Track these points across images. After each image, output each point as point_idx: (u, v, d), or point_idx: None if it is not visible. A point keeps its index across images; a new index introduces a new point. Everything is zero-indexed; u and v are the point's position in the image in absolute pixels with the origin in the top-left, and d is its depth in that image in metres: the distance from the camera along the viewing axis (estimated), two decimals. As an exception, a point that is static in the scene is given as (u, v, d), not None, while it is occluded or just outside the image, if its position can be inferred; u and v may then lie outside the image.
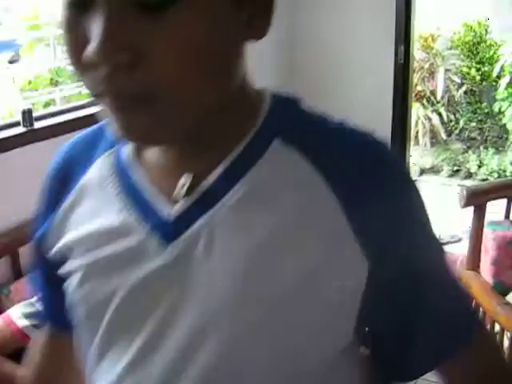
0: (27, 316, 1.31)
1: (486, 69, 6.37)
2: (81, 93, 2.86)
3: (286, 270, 0.64)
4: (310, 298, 0.65)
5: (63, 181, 0.81)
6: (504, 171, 6.06)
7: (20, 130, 2.16)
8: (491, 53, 6.34)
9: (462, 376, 0.76)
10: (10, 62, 3.32)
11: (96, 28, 0.56)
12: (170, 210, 0.69)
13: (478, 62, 6.38)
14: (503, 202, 2.43)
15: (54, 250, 0.78)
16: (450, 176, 6.31)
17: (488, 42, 6.37)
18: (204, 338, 0.65)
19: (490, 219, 2.40)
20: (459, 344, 0.73)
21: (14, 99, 2.57)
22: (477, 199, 2.32)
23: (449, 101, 6.50)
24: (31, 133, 2.17)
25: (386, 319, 0.71)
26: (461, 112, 6.54)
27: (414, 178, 0.78)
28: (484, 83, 6.43)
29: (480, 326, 0.80)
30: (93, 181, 0.76)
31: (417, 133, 6.38)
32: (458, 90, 6.45)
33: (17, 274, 2.05)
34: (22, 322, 1.31)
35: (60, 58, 2.66)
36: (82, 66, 0.59)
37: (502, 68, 6.20)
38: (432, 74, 6.39)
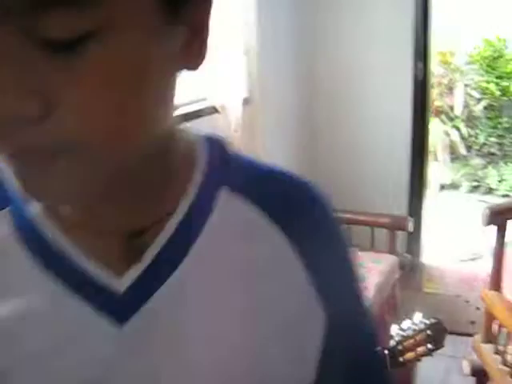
0: None
1: (506, 83, 6.33)
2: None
3: (260, 327, 0.60)
4: (281, 350, 0.61)
5: None
6: (525, 186, 6.02)
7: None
8: (510, 67, 6.31)
9: None
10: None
11: None
12: (115, 281, 0.56)
13: (498, 77, 6.35)
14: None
15: None
16: (470, 192, 6.26)
17: (507, 57, 6.34)
18: None
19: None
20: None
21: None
22: (500, 218, 2.29)
23: (468, 116, 6.47)
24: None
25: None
26: (480, 127, 6.50)
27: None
28: (503, 98, 6.39)
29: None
30: None
31: (436, 148, 6.34)
32: (477, 104, 6.41)
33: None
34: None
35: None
36: None
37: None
38: (451, 89, 6.37)
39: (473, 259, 4.52)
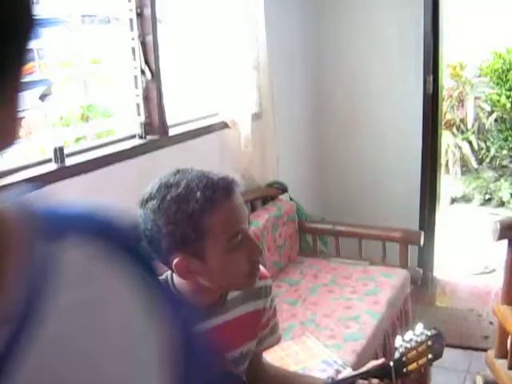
0: None
1: (517, 96, 6.32)
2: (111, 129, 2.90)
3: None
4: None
5: None
6: (537, 199, 5.98)
7: (52, 166, 2.19)
8: (521, 80, 6.30)
9: None
10: (42, 98, 3.39)
11: None
12: None
13: (508, 89, 6.33)
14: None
15: None
16: (482, 205, 6.23)
17: (517, 70, 6.33)
18: None
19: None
20: None
21: (46, 135, 2.61)
22: (511, 232, 2.28)
23: (479, 129, 6.45)
24: (63, 169, 2.19)
25: None
26: (491, 140, 6.48)
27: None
28: (514, 110, 6.37)
29: None
30: None
31: (447, 161, 6.32)
32: (488, 117, 6.39)
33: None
34: None
35: (91, 94, 2.70)
36: None
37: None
38: (461, 102, 6.36)
39: (485, 273, 4.49)
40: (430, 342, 1.53)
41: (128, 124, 2.68)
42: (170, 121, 2.74)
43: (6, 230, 0.56)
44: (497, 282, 2.56)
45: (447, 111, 6.26)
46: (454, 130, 6.37)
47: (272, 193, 3.36)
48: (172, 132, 2.75)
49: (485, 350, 2.54)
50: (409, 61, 3.78)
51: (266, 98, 3.18)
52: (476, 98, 6.34)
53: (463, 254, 4.79)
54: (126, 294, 0.61)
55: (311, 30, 3.88)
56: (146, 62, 2.59)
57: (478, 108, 6.35)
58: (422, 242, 3.22)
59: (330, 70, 3.97)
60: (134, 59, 2.60)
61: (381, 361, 1.61)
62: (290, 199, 3.44)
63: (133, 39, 2.57)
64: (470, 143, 6.38)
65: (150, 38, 2.58)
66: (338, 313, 2.73)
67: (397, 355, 1.53)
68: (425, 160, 3.92)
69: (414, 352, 1.52)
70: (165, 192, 1.28)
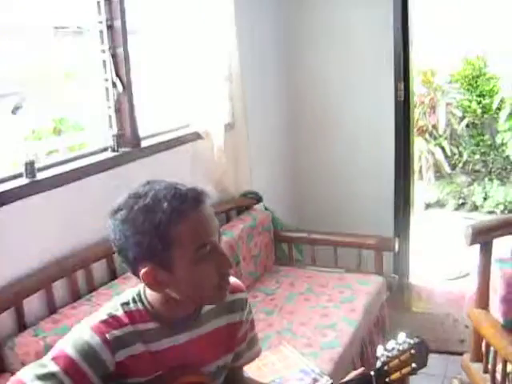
0: (40, 378, 1.26)
1: (487, 101, 6.41)
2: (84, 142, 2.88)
3: None
4: None
5: None
6: (510, 202, 6.05)
7: (23, 181, 2.17)
8: (491, 86, 6.39)
9: None
10: (14, 112, 3.35)
11: None
12: None
13: (479, 95, 6.42)
14: (510, 238, 2.41)
15: None
16: (456, 209, 6.30)
17: (487, 76, 6.42)
18: None
19: (497, 256, 2.38)
20: None
21: (17, 149, 2.58)
22: (483, 237, 2.30)
23: (451, 134, 6.52)
24: (34, 184, 2.17)
25: None
26: (464, 145, 6.56)
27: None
28: (485, 116, 6.46)
29: None
30: None
31: (420, 167, 6.38)
32: (459, 123, 6.47)
33: (21, 326, 2.03)
34: (36, 386, 1.25)
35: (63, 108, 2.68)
36: None
37: (501, 100, 6.24)
38: (433, 108, 6.42)
39: (460, 277, 4.53)
40: (413, 351, 1.49)
41: (100, 137, 2.66)
42: (142, 133, 2.73)
43: None
44: (471, 286, 2.58)
45: (419, 117, 6.32)
46: (427, 136, 6.43)
47: (246, 203, 3.36)
48: (144, 144, 2.74)
49: (461, 354, 2.55)
50: (381, 68, 3.81)
51: (239, 108, 3.18)
52: (447, 104, 6.41)
53: (438, 259, 4.83)
54: None
55: (283, 35, 3.90)
56: (117, 75, 2.58)
57: (449, 114, 6.43)
58: (396, 249, 3.24)
59: (302, 76, 3.98)
60: (105, 72, 2.59)
61: (361, 370, 1.57)
62: (265, 209, 3.44)
63: (103, 51, 2.56)
64: (443, 149, 6.45)
65: (120, 51, 2.57)
66: (315, 321, 2.73)
67: (378, 364, 1.49)
68: (398, 166, 3.94)
69: (397, 361, 1.48)
70: (133, 202, 1.27)
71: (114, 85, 2.59)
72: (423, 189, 6.37)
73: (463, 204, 6.33)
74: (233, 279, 1.51)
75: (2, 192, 2.06)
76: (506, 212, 6.01)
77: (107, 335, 1.29)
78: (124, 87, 2.59)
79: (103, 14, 2.53)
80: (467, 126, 6.52)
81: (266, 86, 3.78)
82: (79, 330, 1.32)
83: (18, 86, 2.69)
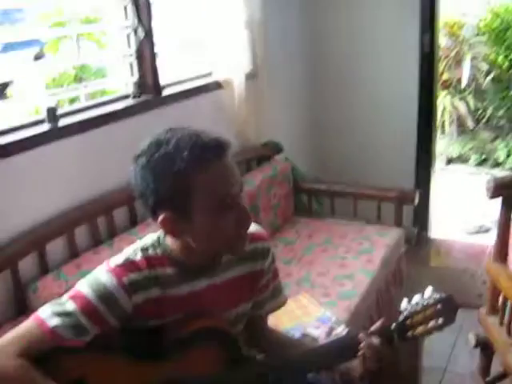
0: (58, 314, 1.29)
1: (515, 55, 6.26)
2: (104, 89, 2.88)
3: None
4: None
5: None
6: (534, 160, 5.97)
7: (45, 127, 2.18)
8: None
9: None
10: (36, 59, 3.35)
11: None
12: None
13: (506, 49, 6.27)
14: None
15: None
16: (478, 165, 6.23)
17: (516, 28, 6.26)
18: None
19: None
20: None
21: (39, 96, 2.59)
22: (504, 190, 2.28)
23: (476, 89, 6.40)
24: (56, 130, 2.18)
25: None
26: (488, 100, 6.44)
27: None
28: (511, 70, 6.32)
29: None
30: None
31: (443, 122, 6.30)
32: (485, 77, 6.34)
33: (44, 270, 2.07)
34: (54, 322, 1.28)
35: (84, 54, 2.67)
36: None
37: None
38: (459, 61, 6.30)
39: (480, 232, 4.52)
40: (439, 306, 1.44)
41: (121, 84, 2.66)
42: (163, 81, 2.72)
43: None
44: (491, 241, 2.56)
45: (444, 71, 6.21)
46: (451, 89, 6.32)
47: (267, 153, 3.35)
48: (165, 92, 2.73)
49: (478, 308, 2.56)
50: (406, 19, 3.73)
51: (260, 56, 3.14)
52: (473, 58, 6.28)
53: (458, 213, 4.81)
54: None
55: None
56: (139, 21, 2.56)
57: (474, 68, 6.29)
58: (416, 202, 3.22)
59: (326, 29, 3.91)
60: (127, 18, 2.57)
61: (380, 322, 1.49)
62: (286, 159, 3.43)
63: (125, -2, 2.54)
64: (467, 103, 6.35)
65: (142, -4, 2.54)
66: (333, 271, 2.76)
67: (401, 318, 1.43)
68: (421, 120, 3.90)
69: (421, 315, 1.43)
70: (154, 149, 1.28)
71: (136, 32, 2.57)
72: (446, 143, 6.30)
73: (485, 160, 6.25)
74: (256, 227, 1.51)
75: (25, 138, 2.07)
76: (529, 169, 5.95)
77: (124, 278, 1.32)
78: (146, 34, 2.57)
79: (125, -41, 2.49)
80: (493, 80, 6.39)
81: (289, 37, 3.72)
82: (97, 273, 1.35)
83: (39, 33, 2.68)
